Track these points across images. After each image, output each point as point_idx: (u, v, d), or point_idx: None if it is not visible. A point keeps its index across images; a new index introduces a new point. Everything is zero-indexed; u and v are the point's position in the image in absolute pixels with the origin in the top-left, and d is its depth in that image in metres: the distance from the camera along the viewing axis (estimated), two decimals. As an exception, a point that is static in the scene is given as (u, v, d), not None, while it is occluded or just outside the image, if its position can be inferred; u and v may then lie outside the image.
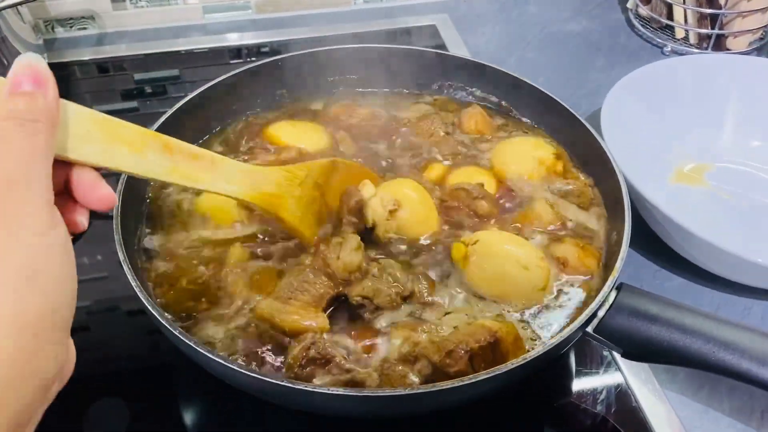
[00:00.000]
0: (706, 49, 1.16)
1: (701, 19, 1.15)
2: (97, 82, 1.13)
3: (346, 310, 0.65)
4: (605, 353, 0.72)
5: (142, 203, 0.74)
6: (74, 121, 0.43)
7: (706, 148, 0.95)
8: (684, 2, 1.14)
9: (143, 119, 0.47)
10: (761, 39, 1.18)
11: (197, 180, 0.54)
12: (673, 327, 0.58)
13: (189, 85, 1.11)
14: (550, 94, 0.83)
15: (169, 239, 0.71)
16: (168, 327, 0.56)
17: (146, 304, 0.57)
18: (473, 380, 0.53)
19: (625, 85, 0.92)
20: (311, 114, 0.89)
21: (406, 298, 0.65)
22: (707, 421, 0.67)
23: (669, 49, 1.19)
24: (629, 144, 0.83)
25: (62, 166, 0.42)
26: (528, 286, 0.66)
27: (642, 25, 1.24)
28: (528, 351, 0.60)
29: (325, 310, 0.64)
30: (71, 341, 0.39)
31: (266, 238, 0.70)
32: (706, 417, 0.67)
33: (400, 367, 0.59)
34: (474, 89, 0.91)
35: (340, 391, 0.53)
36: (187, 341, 0.54)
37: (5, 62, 0.98)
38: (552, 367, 0.70)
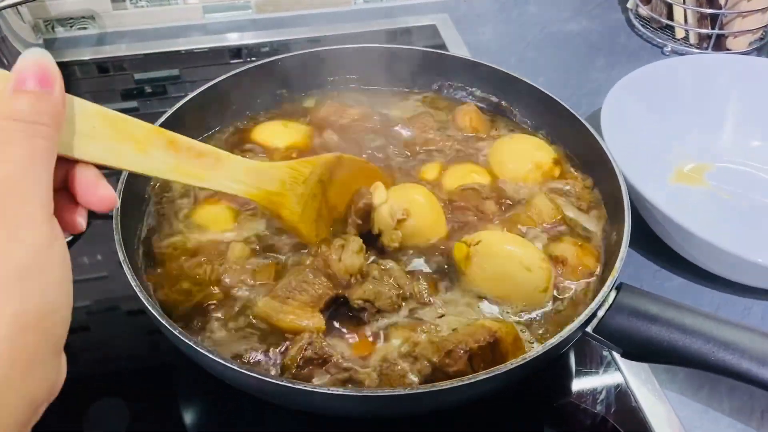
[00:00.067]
0: (706, 49, 1.16)
1: (701, 19, 1.15)
2: (97, 82, 1.14)
3: (346, 311, 0.65)
4: (605, 353, 0.72)
5: (143, 203, 0.74)
6: (79, 118, 0.41)
7: (706, 148, 0.95)
8: (684, 2, 1.14)
9: (143, 119, 0.47)
10: (761, 39, 1.18)
11: (200, 178, 0.53)
12: (673, 327, 0.58)
13: (189, 85, 1.11)
14: (550, 94, 0.83)
15: (170, 239, 0.71)
16: (168, 327, 0.56)
17: (146, 304, 0.57)
18: (473, 380, 0.53)
19: (625, 85, 0.92)
20: (311, 114, 0.89)
21: (407, 299, 0.65)
22: (707, 421, 0.67)
23: (669, 49, 1.19)
24: (629, 144, 0.83)
25: (63, 163, 0.40)
26: (530, 287, 0.66)
27: (642, 25, 1.24)
28: (527, 351, 0.59)
29: (324, 311, 0.64)
30: (64, 357, 0.37)
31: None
32: (706, 417, 0.67)
33: (399, 367, 0.59)
34: (474, 89, 0.91)
35: (340, 390, 0.53)
36: (187, 341, 0.54)
37: (5, 62, 0.98)
38: (552, 367, 0.70)
